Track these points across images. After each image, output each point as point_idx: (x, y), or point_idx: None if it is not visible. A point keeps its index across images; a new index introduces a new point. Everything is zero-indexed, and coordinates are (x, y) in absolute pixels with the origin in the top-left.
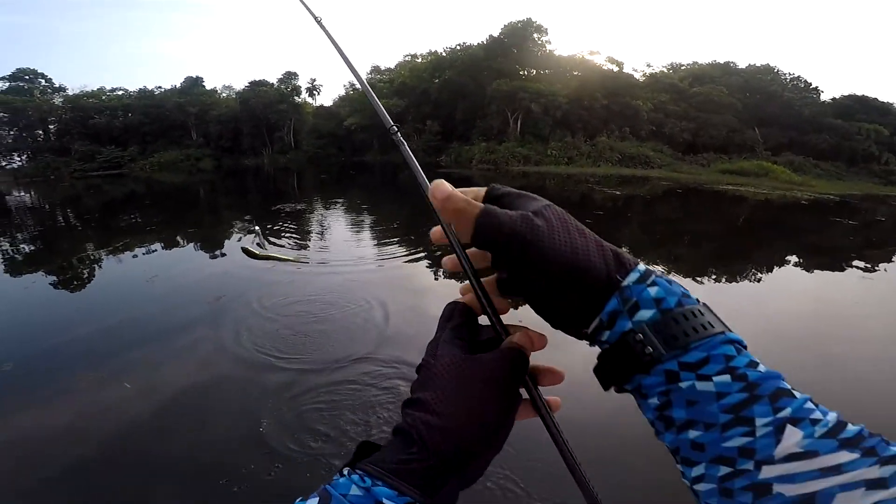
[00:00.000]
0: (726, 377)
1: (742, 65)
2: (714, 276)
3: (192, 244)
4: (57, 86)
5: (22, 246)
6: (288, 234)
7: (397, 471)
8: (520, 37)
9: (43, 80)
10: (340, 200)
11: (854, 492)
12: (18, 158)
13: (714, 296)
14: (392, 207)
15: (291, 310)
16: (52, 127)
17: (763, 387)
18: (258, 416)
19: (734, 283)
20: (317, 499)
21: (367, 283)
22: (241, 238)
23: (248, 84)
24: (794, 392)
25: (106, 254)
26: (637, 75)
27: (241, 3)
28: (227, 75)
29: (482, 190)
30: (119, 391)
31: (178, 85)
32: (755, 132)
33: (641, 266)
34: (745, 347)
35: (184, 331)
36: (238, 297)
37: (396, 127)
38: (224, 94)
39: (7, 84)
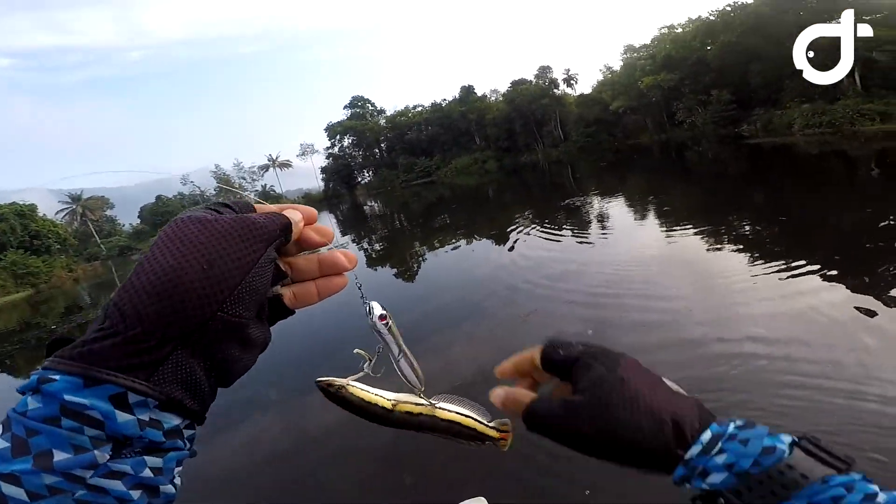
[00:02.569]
0: None
1: None
2: None
3: (487, 240)
4: (379, 108)
5: (376, 245)
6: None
7: (86, 354)
8: None
9: (370, 105)
10: (619, 193)
11: None
12: (367, 174)
13: None
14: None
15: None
16: (383, 145)
17: None
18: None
19: None
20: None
21: None
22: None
23: (509, 85)
24: None
25: (427, 249)
26: None
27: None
28: (491, 79)
29: (535, 354)
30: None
31: (457, 95)
32: None
33: (706, 435)
34: (856, 472)
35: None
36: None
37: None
38: (493, 98)
39: (349, 111)
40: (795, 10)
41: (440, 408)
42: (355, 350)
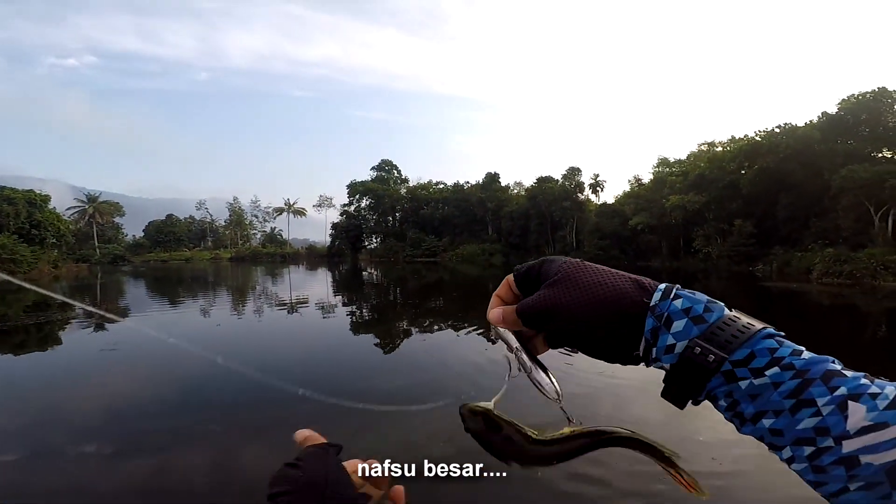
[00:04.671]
0: (776, 369)
1: None
2: None
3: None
4: (403, 177)
5: (364, 313)
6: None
7: None
8: (872, 111)
9: (395, 172)
10: None
11: None
12: (375, 240)
13: None
14: None
15: None
16: (397, 214)
17: (812, 371)
18: None
19: None
20: None
21: None
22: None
23: (535, 181)
24: (845, 371)
25: (414, 329)
26: None
27: (531, 101)
28: (518, 171)
29: (510, 278)
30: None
31: (481, 180)
32: None
33: (662, 285)
34: (785, 338)
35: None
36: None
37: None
38: (515, 191)
39: (375, 174)
40: (846, 138)
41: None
42: (505, 353)
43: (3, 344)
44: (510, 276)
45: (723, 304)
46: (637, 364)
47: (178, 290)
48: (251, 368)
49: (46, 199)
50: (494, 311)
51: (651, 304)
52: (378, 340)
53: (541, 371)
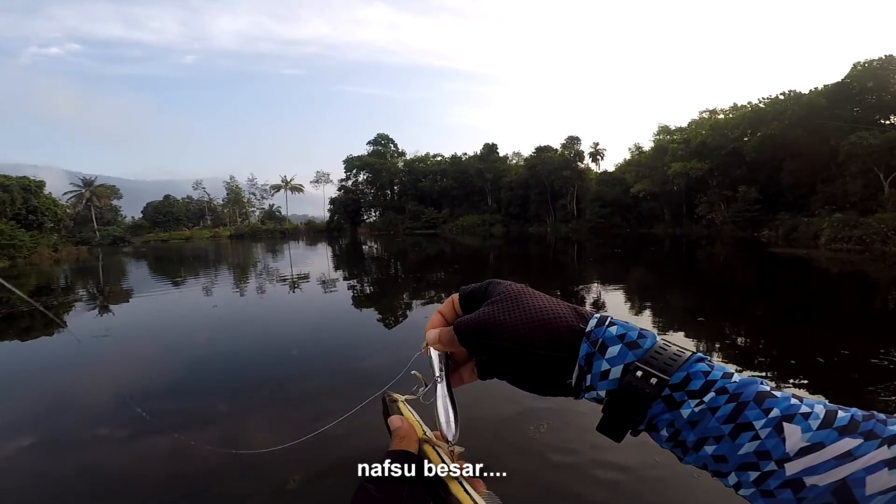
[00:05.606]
0: (711, 394)
1: None
2: None
3: None
4: (400, 150)
5: (366, 287)
6: None
7: None
8: (879, 78)
9: (392, 146)
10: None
11: (879, 473)
12: (374, 213)
13: None
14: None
15: None
16: (396, 187)
17: (745, 394)
18: None
19: None
20: None
21: None
22: None
23: (534, 150)
24: (775, 392)
25: (415, 302)
26: None
27: (528, 71)
28: (516, 141)
29: (454, 297)
30: None
31: (479, 151)
32: None
33: (597, 314)
34: (713, 361)
35: None
36: None
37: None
38: (513, 161)
39: (371, 148)
40: (852, 105)
41: (460, 476)
42: (413, 371)
43: (10, 329)
44: (455, 296)
45: (654, 332)
46: (568, 395)
47: (179, 269)
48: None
49: (41, 184)
50: (431, 332)
51: (587, 330)
52: (380, 315)
53: (450, 408)
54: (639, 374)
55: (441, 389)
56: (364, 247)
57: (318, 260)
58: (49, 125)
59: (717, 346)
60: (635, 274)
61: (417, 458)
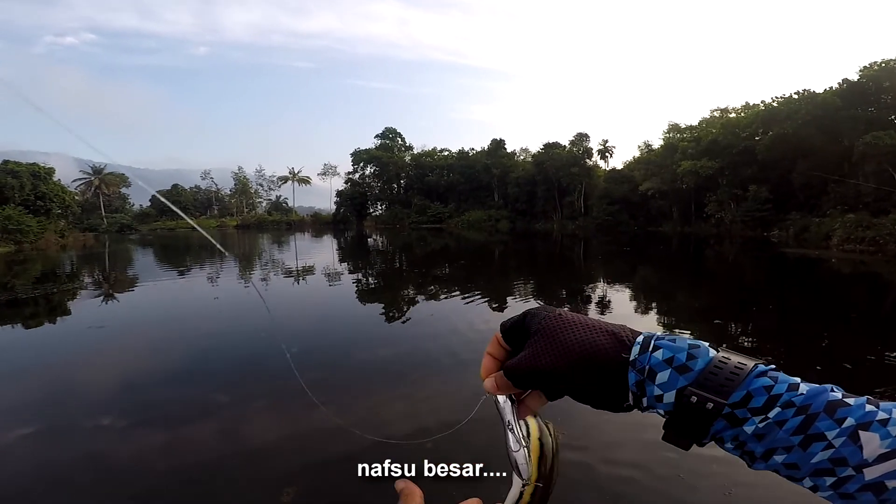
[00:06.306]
0: (777, 409)
1: None
2: None
3: (481, 300)
4: (408, 144)
5: (370, 280)
6: None
7: None
8: (894, 78)
9: (399, 139)
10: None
11: None
12: (380, 207)
13: None
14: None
15: None
16: (402, 181)
17: (814, 405)
18: None
19: None
20: None
21: None
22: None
23: (542, 147)
24: (848, 399)
25: (420, 297)
26: None
27: (537, 68)
28: (524, 138)
29: (497, 335)
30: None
31: (486, 147)
32: None
33: (639, 338)
34: (777, 371)
35: None
36: None
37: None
38: (521, 157)
39: (379, 141)
40: (867, 105)
41: None
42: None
43: (15, 315)
44: (497, 333)
45: (707, 344)
46: (630, 411)
47: (185, 258)
48: None
49: (51, 171)
50: (488, 382)
51: (631, 359)
52: (383, 309)
53: (522, 449)
54: (693, 399)
55: (515, 434)
56: (370, 240)
57: (324, 252)
58: (62, 114)
59: (727, 347)
60: (643, 272)
61: None
